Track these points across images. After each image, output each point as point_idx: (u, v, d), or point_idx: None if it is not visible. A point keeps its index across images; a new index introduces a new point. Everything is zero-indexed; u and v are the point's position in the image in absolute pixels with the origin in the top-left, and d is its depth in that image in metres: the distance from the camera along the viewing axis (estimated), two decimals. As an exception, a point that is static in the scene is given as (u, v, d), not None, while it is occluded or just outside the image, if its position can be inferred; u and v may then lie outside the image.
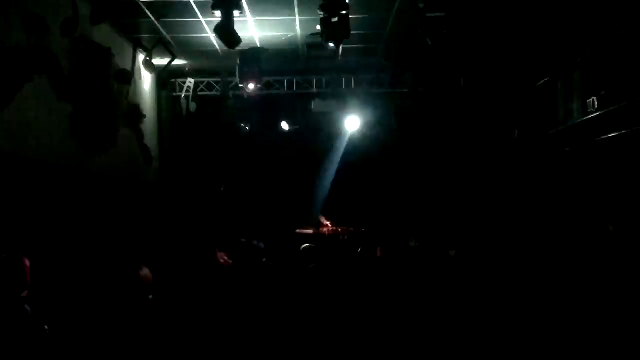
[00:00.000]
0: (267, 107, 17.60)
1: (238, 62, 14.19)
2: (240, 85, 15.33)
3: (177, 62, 14.71)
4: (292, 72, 16.71)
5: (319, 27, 10.78)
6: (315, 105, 17.12)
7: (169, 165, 16.36)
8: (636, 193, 10.91)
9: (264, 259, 8.67)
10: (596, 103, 9.95)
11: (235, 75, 15.37)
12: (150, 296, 6.37)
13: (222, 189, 18.30)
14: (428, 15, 10.29)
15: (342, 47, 12.67)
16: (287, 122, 17.80)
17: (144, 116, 13.01)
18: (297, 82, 17.12)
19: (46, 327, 7.12)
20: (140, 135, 13.34)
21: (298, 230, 17.13)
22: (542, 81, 12.39)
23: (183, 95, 16.79)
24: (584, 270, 9.91)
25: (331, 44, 10.84)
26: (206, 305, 7.12)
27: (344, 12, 10.27)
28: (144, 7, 11.28)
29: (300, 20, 12.33)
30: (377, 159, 18.48)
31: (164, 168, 15.88)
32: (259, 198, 18.37)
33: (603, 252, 9.83)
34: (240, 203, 18.11)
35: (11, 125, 8.03)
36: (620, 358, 6.85)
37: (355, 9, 10.88)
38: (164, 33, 12.87)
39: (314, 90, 17.17)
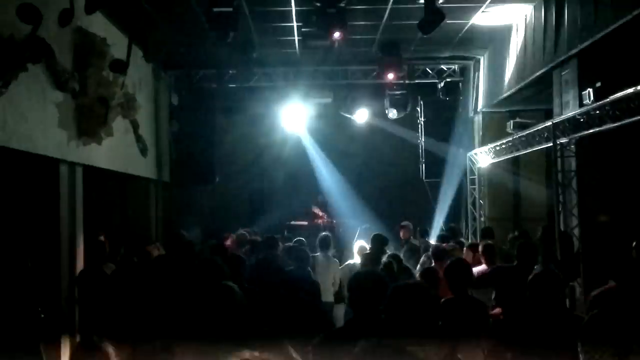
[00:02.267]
0: (262, 98, 17.59)
1: (235, 52, 14.17)
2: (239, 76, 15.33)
3: (174, 52, 14.72)
4: (289, 63, 16.69)
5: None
6: (311, 96, 17.14)
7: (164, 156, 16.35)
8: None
9: None
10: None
11: (231, 66, 15.39)
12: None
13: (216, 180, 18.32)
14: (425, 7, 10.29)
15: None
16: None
17: (140, 106, 12.95)
18: (293, 74, 17.11)
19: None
20: (136, 125, 13.30)
21: (293, 222, 17.16)
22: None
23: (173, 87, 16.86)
24: None
25: (328, 36, 10.85)
26: None
27: (341, 3, 10.26)
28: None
29: (297, 10, 12.30)
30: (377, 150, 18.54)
31: (159, 158, 15.87)
32: (254, 189, 18.39)
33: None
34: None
35: (4, 115, 7.99)
36: None
37: (351, 0, 10.88)
38: (160, 23, 12.82)
39: (311, 81, 17.17)
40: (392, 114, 17.33)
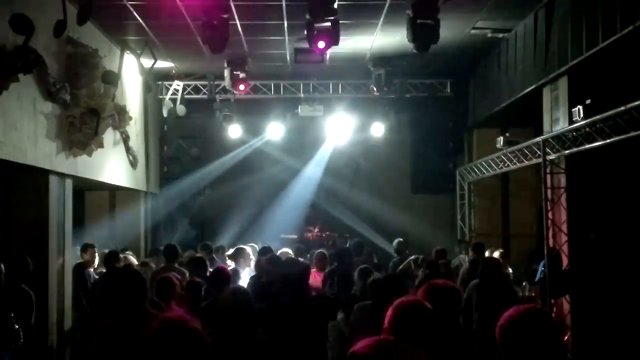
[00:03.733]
0: (254, 110, 17.58)
1: (225, 65, 14.17)
2: (228, 89, 15.34)
3: (165, 64, 14.72)
4: (280, 77, 16.70)
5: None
6: (302, 109, 17.12)
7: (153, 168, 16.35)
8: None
9: None
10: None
11: (222, 79, 15.38)
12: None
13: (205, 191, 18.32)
14: (417, 22, 10.29)
15: (330, 52, 12.70)
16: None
17: (131, 118, 12.95)
18: (284, 86, 17.11)
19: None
20: (126, 137, 13.29)
21: (282, 235, 17.13)
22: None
23: (167, 98, 16.76)
24: None
25: (319, 49, 10.85)
26: None
27: (332, 18, 10.26)
28: (130, 8, 11.26)
29: (288, 24, 12.32)
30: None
31: (149, 170, 15.86)
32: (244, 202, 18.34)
33: None
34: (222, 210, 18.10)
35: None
36: None
37: (343, 15, 10.89)
38: (151, 35, 12.83)
39: (301, 94, 17.17)
40: (380, 128, 17.46)
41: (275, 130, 17.76)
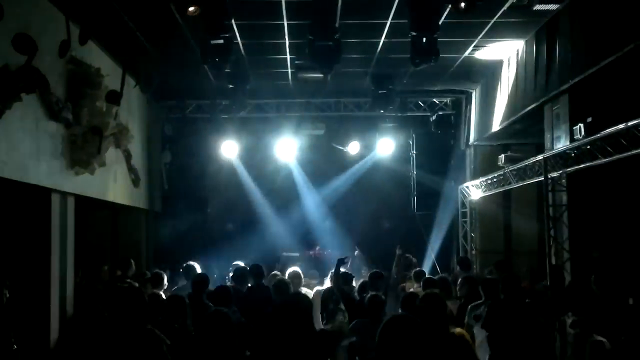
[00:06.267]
0: (255, 129, 17.59)
1: (228, 84, 14.20)
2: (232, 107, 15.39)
3: (167, 82, 14.74)
4: (282, 95, 16.73)
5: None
6: (304, 128, 17.15)
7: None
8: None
9: None
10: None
11: (224, 97, 15.41)
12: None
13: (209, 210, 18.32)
14: (418, 40, 10.33)
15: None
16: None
17: (132, 136, 12.96)
18: (286, 105, 17.14)
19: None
20: (128, 156, 13.30)
21: (285, 254, 17.10)
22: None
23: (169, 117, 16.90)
24: None
25: (321, 68, 10.90)
26: None
27: (334, 36, 10.31)
28: (133, 27, 11.31)
29: (290, 43, 12.36)
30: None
31: (151, 188, 15.87)
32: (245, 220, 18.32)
33: None
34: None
35: (-3, 145, 8.00)
36: None
37: (344, 33, 10.93)
38: (153, 54, 12.87)
39: (303, 113, 17.21)
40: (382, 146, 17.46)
41: (276, 149, 17.78)
